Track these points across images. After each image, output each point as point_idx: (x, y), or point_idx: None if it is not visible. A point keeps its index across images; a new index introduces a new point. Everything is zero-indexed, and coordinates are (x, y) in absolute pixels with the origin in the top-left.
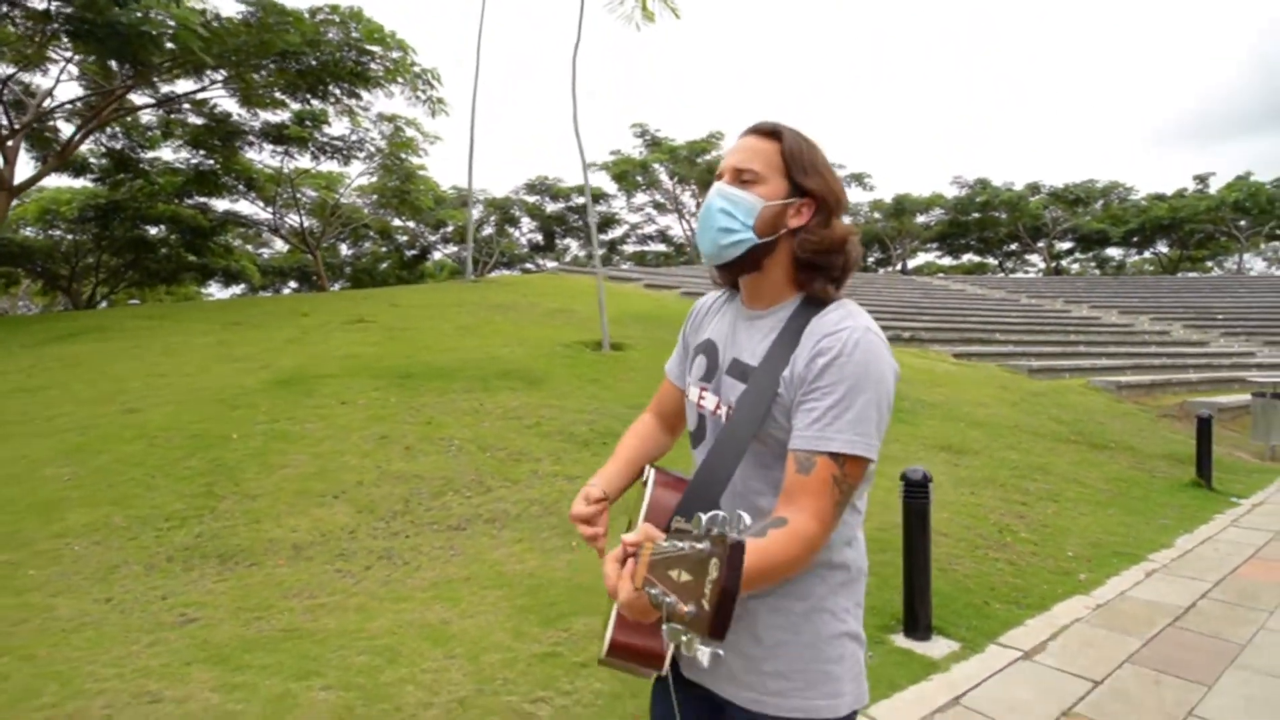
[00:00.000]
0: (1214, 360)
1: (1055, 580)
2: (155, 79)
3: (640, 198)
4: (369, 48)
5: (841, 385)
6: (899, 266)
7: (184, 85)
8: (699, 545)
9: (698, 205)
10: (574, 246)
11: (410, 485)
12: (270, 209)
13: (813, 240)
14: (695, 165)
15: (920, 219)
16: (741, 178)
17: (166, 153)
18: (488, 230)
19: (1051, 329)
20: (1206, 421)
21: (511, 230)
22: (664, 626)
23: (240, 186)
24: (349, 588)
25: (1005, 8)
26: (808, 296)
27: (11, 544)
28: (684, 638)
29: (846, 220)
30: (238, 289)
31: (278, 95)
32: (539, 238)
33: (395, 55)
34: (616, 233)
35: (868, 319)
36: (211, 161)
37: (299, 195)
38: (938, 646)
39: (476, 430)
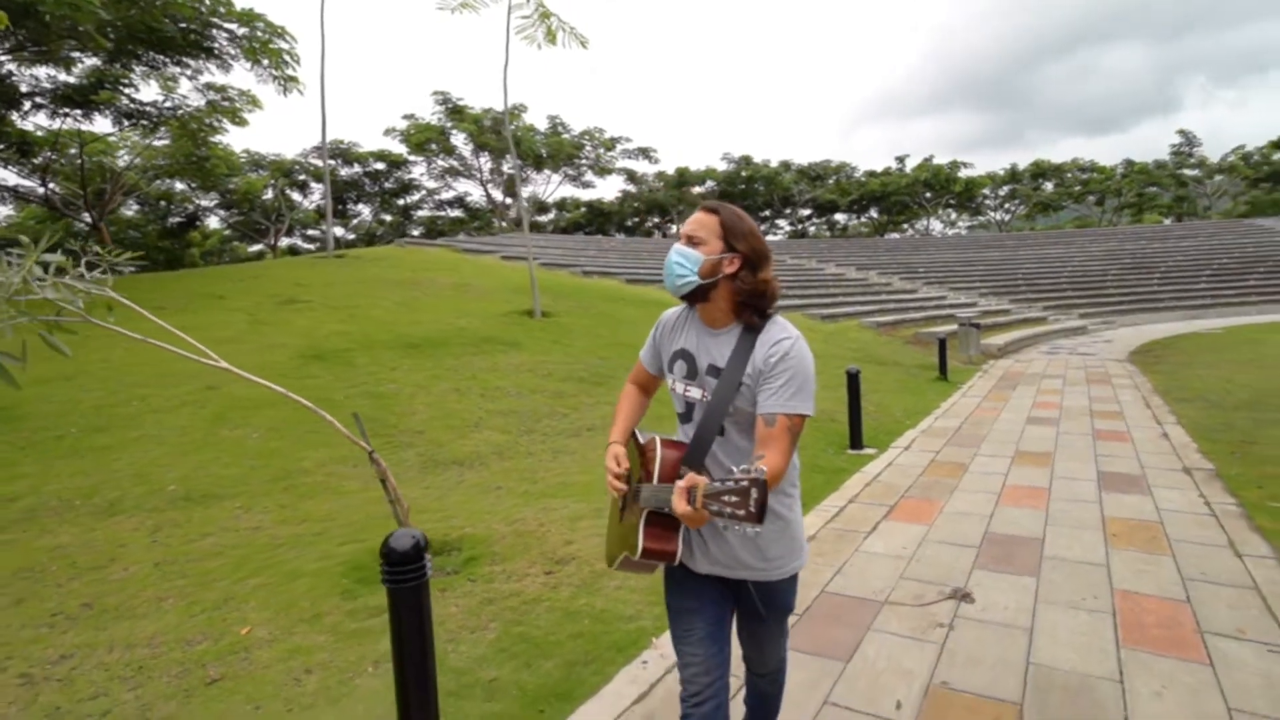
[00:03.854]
0: (923, 303)
1: (900, 423)
2: None
3: (439, 164)
4: (222, 23)
5: (787, 372)
6: (666, 232)
7: None
8: (742, 482)
9: (492, 171)
10: (366, 213)
11: (515, 418)
12: (39, 177)
13: (744, 286)
14: (499, 136)
15: (697, 190)
16: (692, 241)
17: None
18: (268, 195)
19: (817, 284)
20: (943, 342)
21: (296, 196)
22: (725, 525)
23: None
24: (545, 465)
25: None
26: (746, 323)
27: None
28: (736, 527)
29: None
30: None
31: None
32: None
33: (258, 33)
34: (413, 198)
35: (795, 329)
36: None
37: (82, 160)
38: (868, 452)
39: (513, 380)
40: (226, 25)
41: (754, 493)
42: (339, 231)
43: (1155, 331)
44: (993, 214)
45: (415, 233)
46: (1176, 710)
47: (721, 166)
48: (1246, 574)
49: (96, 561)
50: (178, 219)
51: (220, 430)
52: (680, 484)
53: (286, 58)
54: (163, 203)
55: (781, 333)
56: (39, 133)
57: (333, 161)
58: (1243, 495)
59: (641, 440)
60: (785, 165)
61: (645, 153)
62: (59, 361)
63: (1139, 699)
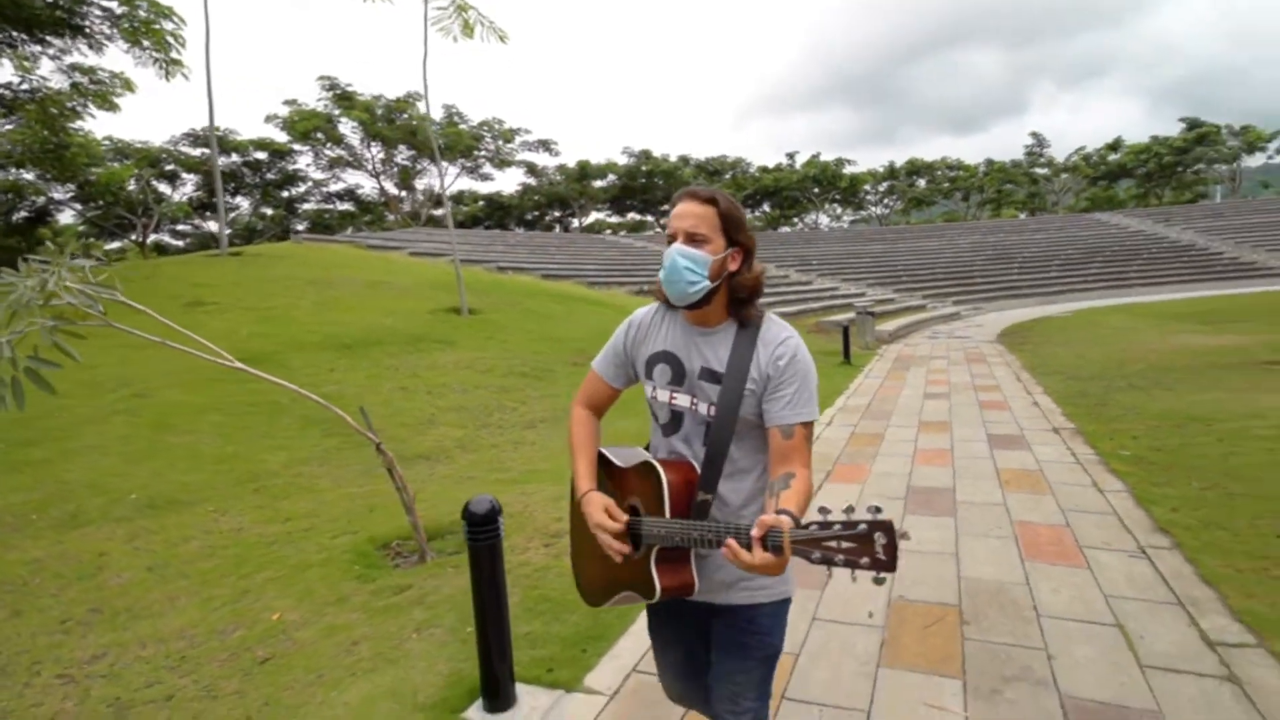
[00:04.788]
0: (820, 294)
1: (826, 396)
2: None
3: (327, 154)
4: (98, 1)
5: (797, 378)
6: (574, 225)
7: None
8: (859, 529)
9: (383, 162)
10: (245, 206)
11: (466, 413)
12: None
13: (745, 281)
14: (393, 125)
15: (598, 183)
16: (694, 239)
17: None
18: (132, 187)
19: None
20: (847, 329)
21: (164, 188)
22: (850, 571)
23: None
24: (509, 455)
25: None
26: (741, 320)
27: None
28: (859, 573)
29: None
30: None
31: None
32: (201, 196)
33: (140, 13)
34: (298, 189)
35: (791, 328)
36: None
37: None
38: None
39: (455, 377)
40: (104, 3)
41: (880, 538)
42: (213, 227)
43: (1017, 316)
44: (873, 209)
45: (300, 227)
46: (1069, 600)
47: (622, 160)
48: (1107, 504)
49: (83, 571)
50: (24, 214)
51: (166, 437)
52: (754, 532)
53: (170, 39)
54: (8, 195)
55: (782, 331)
56: None
57: (205, 150)
58: (1099, 446)
59: (618, 462)
60: (684, 160)
61: (545, 145)
62: None
63: (1041, 594)
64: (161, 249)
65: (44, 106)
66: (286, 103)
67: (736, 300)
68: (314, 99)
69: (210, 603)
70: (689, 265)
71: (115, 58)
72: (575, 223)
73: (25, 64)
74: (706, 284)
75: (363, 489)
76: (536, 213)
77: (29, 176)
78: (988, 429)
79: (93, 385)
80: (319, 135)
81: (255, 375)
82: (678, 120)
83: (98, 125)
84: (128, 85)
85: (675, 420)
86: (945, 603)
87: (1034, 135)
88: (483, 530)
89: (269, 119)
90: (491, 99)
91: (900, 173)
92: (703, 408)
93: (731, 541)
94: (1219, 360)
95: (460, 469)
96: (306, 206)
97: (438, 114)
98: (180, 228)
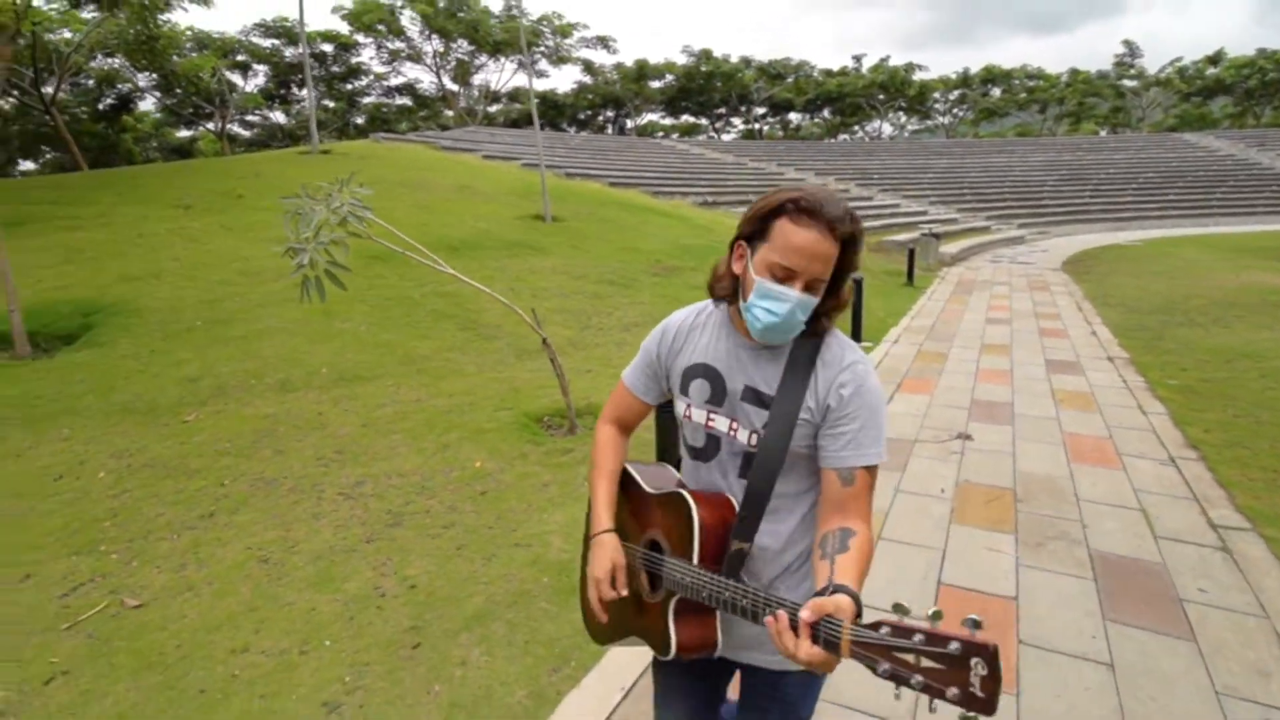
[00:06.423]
0: (880, 211)
1: (884, 321)
2: None
3: (389, 46)
4: None
5: (863, 412)
6: (628, 126)
7: None
8: (951, 647)
9: (440, 56)
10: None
11: (569, 315)
12: None
13: (833, 311)
14: (456, 19)
15: (655, 84)
16: (814, 288)
17: None
18: (207, 76)
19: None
20: (912, 251)
21: (234, 78)
22: (929, 700)
23: None
24: (615, 354)
25: None
26: (808, 330)
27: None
28: (940, 702)
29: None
30: None
31: None
32: (270, 87)
33: None
34: (359, 83)
35: (859, 350)
36: None
37: (33, 38)
38: (866, 345)
39: (551, 282)
40: None
41: (978, 666)
42: (280, 118)
43: (1085, 242)
44: (940, 118)
45: (359, 120)
46: (1104, 491)
47: (681, 60)
48: (1148, 423)
49: (311, 425)
50: (110, 101)
51: (333, 323)
52: (804, 615)
53: None
54: (93, 83)
55: (848, 353)
56: None
57: (276, 41)
58: (1148, 375)
59: (644, 485)
60: (746, 61)
61: (604, 42)
62: (131, 259)
63: (1081, 486)
64: (231, 138)
65: (143, 2)
66: None
67: (812, 316)
68: None
69: (423, 452)
70: (802, 316)
71: None
72: (629, 123)
73: None
74: (804, 324)
75: (500, 374)
76: (589, 112)
77: (116, 65)
78: (1046, 354)
79: (253, 274)
80: (381, 27)
81: (461, 279)
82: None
83: (181, 16)
84: None
85: (711, 445)
86: (1002, 486)
87: (1126, 44)
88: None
89: (335, 10)
90: None
91: (974, 81)
92: (743, 435)
93: (783, 616)
94: None
95: (578, 363)
96: (366, 100)
97: (497, 6)
98: (249, 118)
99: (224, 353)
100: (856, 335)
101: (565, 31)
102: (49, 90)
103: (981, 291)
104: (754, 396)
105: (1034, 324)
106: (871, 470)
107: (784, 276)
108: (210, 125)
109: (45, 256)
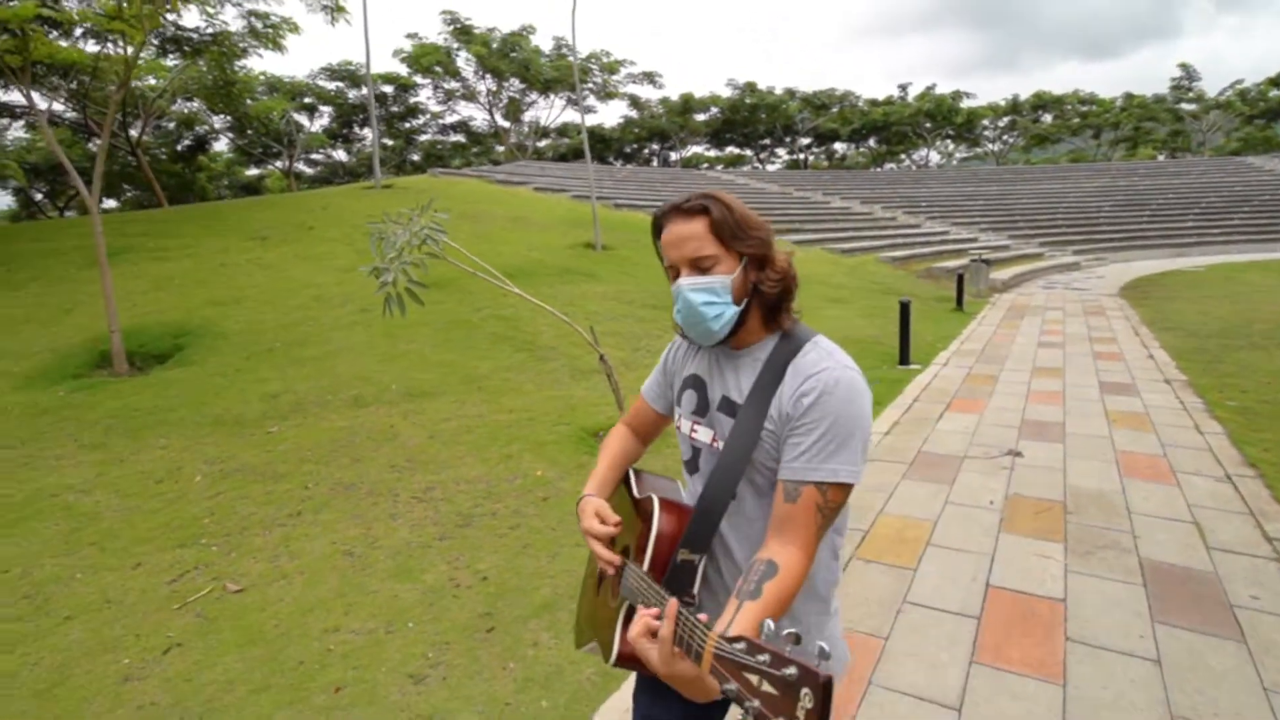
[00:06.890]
0: (929, 238)
1: (932, 346)
2: None
3: (445, 87)
4: None
5: (824, 421)
6: (673, 158)
7: None
8: (786, 671)
9: (493, 94)
10: (370, 139)
11: (620, 338)
12: (76, 101)
13: (771, 282)
14: (509, 59)
15: (699, 116)
16: (699, 266)
17: None
18: (279, 118)
19: (828, 219)
20: (961, 277)
21: (301, 118)
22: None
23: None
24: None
25: None
26: (783, 334)
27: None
28: None
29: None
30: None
31: None
32: (334, 127)
33: None
34: (417, 121)
35: (844, 357)
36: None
37: (126, 85)
38: (914, 367)
39: (603, 306)
40: None
41: (806, 699)
42: (342, 156)
43: (1144, 268)
44: (990, 145)
45: (415, 158)
46: (1156, 505)
47: (726, 93)
48: (1205, 442)
49: (383, 436)
50: (188, 142)
51: (398, 345)
52: (644, 614)
53: None
54: (174, 125)
55: (822, 360)
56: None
57: (341, 84)
58: (1207, 397)
59: (637, 491)
60: (790, 93)
61: (650, 77)
62: (215, 286)
63: (1134, 500)
64: (297, 176)
65: (223, 49)
66: (408, 36)
67: (770, 308)
68: (435, 33)
69: (488, 461)
70: (708, 299)
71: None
72: (674, 155)
73: (209, 9)
74: (733, 310)
75: (557, 392)
76: (635, 145)
77: (194, 108)
78: (1100, 377)
79: (325, 300)
80: (438, 68)
81: (524, 298)
82: (784, 45)
83: (255, 62)
84: (294, 28)
85: (695, 457)
86: (1052, 499)
87: (1183, 67)
88: None
89: (396, 53)
90: (598, 31)
91: (1024, 107)
92: (719, 446)
93: (653, 610)
94: None
95: (630, 383)
96: (423, 138)
97: (547, 46)
98: (314, 156)
99: (301, 371)
100: (904, 358)
101: (613, 68)
102: (134, 133)
103: (1034, 316)
104: (727, 406)
105: (1088, 347)
106: (826, 490)
107: (674, 275)
108: (278, 164)
109: (139, 283)
